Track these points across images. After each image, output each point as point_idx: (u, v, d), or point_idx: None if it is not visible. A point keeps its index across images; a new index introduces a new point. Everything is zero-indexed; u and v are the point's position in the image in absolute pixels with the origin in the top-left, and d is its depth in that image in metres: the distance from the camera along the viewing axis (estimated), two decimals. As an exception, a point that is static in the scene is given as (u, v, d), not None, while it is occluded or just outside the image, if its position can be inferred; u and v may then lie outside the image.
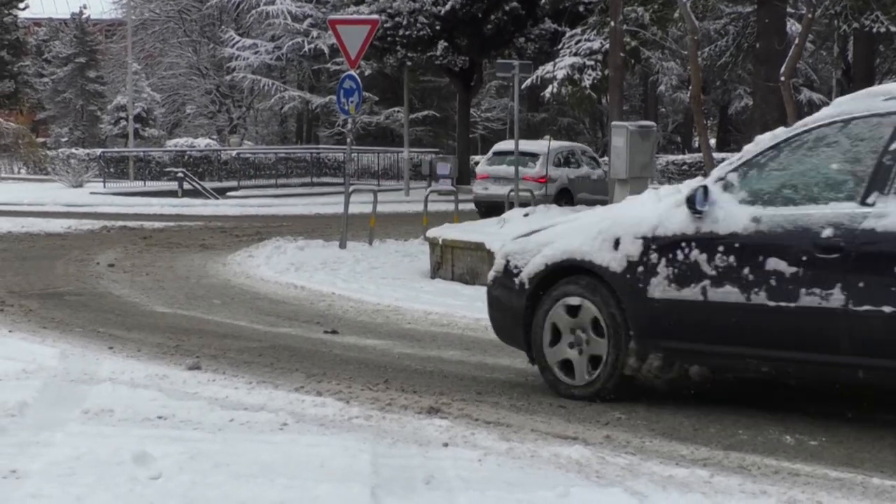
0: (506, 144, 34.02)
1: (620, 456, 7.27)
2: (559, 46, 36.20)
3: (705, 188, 8.48)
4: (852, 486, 6.76)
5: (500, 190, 29.67)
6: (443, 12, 43.85)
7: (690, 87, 21.22)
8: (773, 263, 8.09)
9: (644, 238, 8.71)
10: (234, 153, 52.29)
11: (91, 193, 41.94)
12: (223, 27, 64.14)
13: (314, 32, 57.30)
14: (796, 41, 19.05)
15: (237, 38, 61.44)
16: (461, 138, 50.90)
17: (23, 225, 27.35)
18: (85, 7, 75.48)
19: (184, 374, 9.75)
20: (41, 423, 7.61)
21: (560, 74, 33.43)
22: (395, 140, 58.83)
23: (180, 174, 44.01)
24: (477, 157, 61.68)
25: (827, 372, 8.27)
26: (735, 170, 8.60)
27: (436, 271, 18.53)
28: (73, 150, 55.89)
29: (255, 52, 60.29)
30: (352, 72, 22.48)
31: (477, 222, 20.55)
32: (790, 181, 8.40)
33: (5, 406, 7.93)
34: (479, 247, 17.52)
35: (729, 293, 8.29)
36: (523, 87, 36.01)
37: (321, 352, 11.30)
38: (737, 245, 8.27)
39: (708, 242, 8.40)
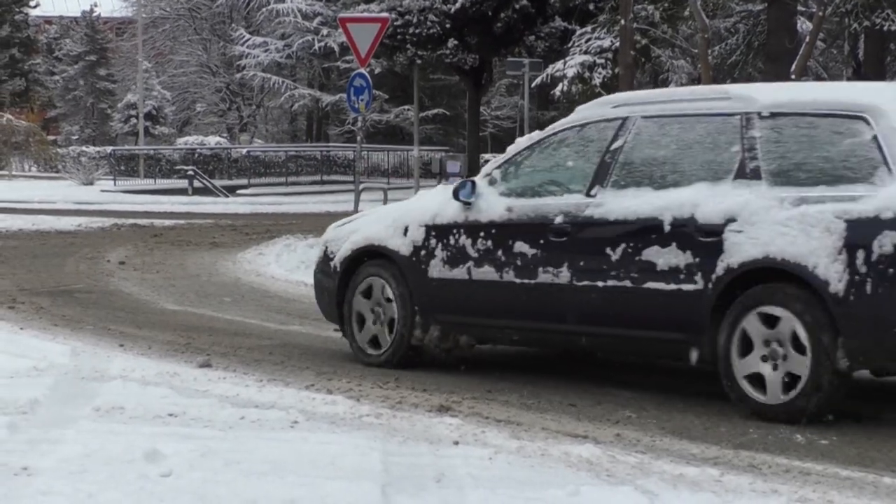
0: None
1: (631, 454, 7.27)
2: (569, 44, 36.13)
3: (473, 182, 9.87)
4: (863, 485, 6.75)
5: None
6: (453, 10, 43.79)
7: (701, 86, 21.16)
8: (520, 246, 9.47)
9: (426, 226, 10.05)
10: (244, 151, 52.35)
11: (101, 191, 42.02)
12: (233, 25, 64.16)
13: (324, 30, 57.31)
14: (807, 39, 19.03)
15: (247, 36, 61.46)
16: (471, 136, 50.84)
17: (34, 222, 27.40)
18: (95, 5, 75.59)
19: (194, 372, 9.76)
20: (52, 420, 7.63)
21: (570, 72, 33.38)
22: (405, 138, 58.80)
23: (190, 172, 44.07)
24: (487, 156, 61.74)
25: (560, 340, 9.81)
26: (499, 167, 10.03)
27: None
28: (84, 148, 55.98)
29: (266, 50, 60.31)
30: (362, 70, 22.48)
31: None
32: (538, 176, 9.82)
33: (16, 403, 7.95)
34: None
35: (487, 272, 9.67)
36: (533, 85, 36.06)
37: (331, 350, 11.29)
38: (493, 231, 9.64)
39: (473, 229, 9.77)
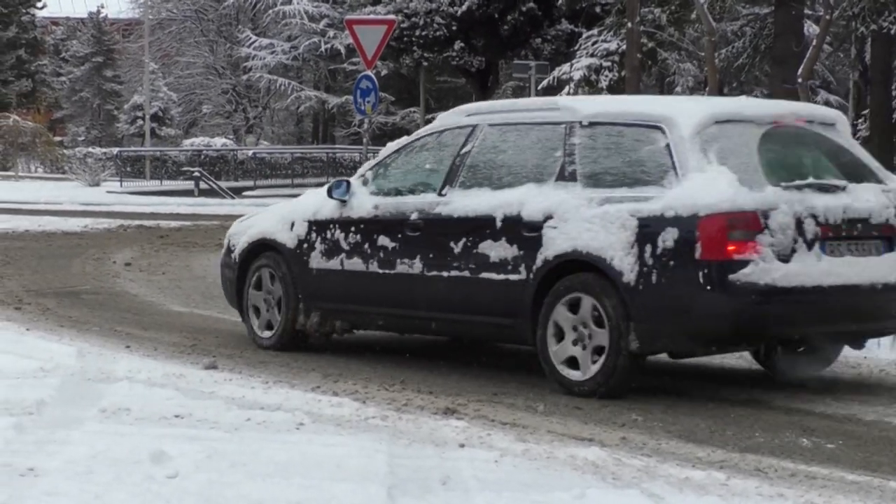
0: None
1: (637, 458, 7.26)
2: (576, 47, 36.16)
3: (348, 182, 10.94)
4: (869, 489, 6.74)
5: None
6: (459, 13, 43.85)
7: (707, 89, 21.18)
8: (382, 240, 10.47)
9: (308, 221, 11.06)
10: (250, 153, 52.39)
11: (108, 192, 42.07)
12: (240, 27, 64.24)
13: (331, 32, 57.37)
14: (814, 43, 19.02)
15: (254, 37, 61.53)
16: (477, 139, 50.80)
17: (40, 223, 27.42)
18: (102, 6, 75.69)
19: (200, 374, 9.77)
20: (58, 421, 7.63)
21: (577, 75, 33.39)
22: (411, 140, 58.79)
23: (196, 173, 44.10)
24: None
25: (415, 325, 10.73)
26: (370, 169, 11.05)
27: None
28: (90, 149, 56.05)
29: (272, 52, 60.38)
30: (368, 72, 22.50)
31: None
32: (401, 177, 10.81)
33: (23, 404, 7.95)
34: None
35: (356, 264, 10.67)
36: (539, 87, 36.03)
37: (338, 352, 11.28)
38: (362, 226, 10.65)
39: (346, 224, 10.78)
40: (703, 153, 8.99)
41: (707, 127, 9.14)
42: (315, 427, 7.72)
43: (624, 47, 28.31)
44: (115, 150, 54.46)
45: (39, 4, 76.90)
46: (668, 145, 9.08)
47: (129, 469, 6.44)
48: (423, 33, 44.37)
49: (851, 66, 53.03)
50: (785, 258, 8.77)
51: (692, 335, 9.03)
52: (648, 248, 8.82)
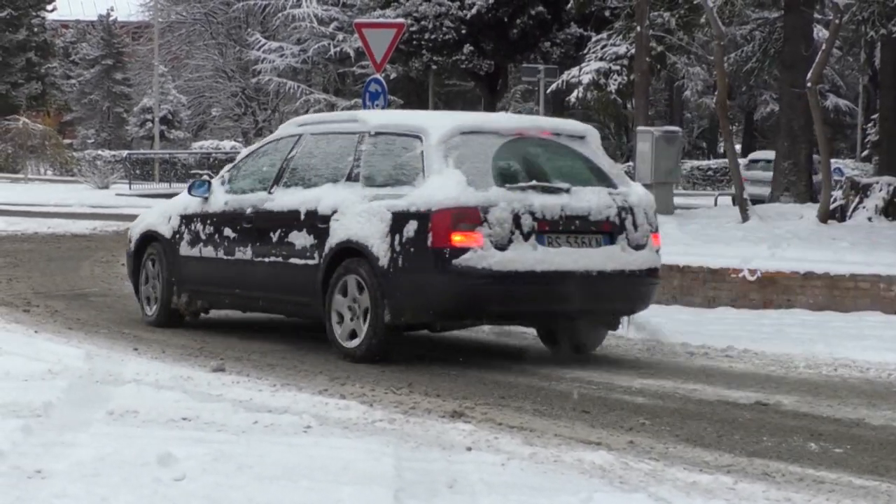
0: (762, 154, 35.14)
1: (644, 461, 7.26)
2: (585, 51, 36.13)
3: (209, 182, 12.83)
4: (877, 494, 6.73)
5: (758, 190, 29.27)
6: (468, 16, 43.82)
7: (716, 93, 21.16)
8: (227, 231, 12.26)
9: (181, 215, 12.84)
10: (259, 156, 52.37)
11: (117, 195, 42.12)
12: (249, 30, 64.26)
13: (340, 36, 57.37)
14: (823, 47, 19.00)
15: (263, 40, 61.54)
16: (486, 142, 50.78)
17: (49, 226, 27.48)
18: (112, 9, 75.81)
19: (208, 376, 9.77)
20: (66, 423, 7.64)
21: (585, 79, 33.37)
22: (420, 144, 58.77)
23: (206, 176, 44.11)
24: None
25: (250, 303, 12.44)
26: (228, 170, 12.91)
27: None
28: (100, 152, 56.18)
29: (281, 55, 60.39)
30: (377, 75, 22.50)
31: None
32: (247, 178, 12.55)
33: (31, 406, 7.96)
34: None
35: (209, 251, 12.45)
36: (548, 91, 36.05)
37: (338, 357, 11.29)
38: (215, 219, 12.43)
39: (205, 218, 12.56)
40: (445, 159, 10.64)
41: (452, 137, 10.83)
42: (322, 430, 7.73)
43: (633, 51, 28.29)
44: (125, 152, 54.56)
45: (49, 7, 76.98)
46: (421, 152, 10.81)
47: (136, 471, 6.45)
48: (433, 37, 44.35)
49: (861, 71, 52.99)
50: (502, 247, 10.36)
51: (428, 311, 10.71)
52: (398, 237, 10.53)
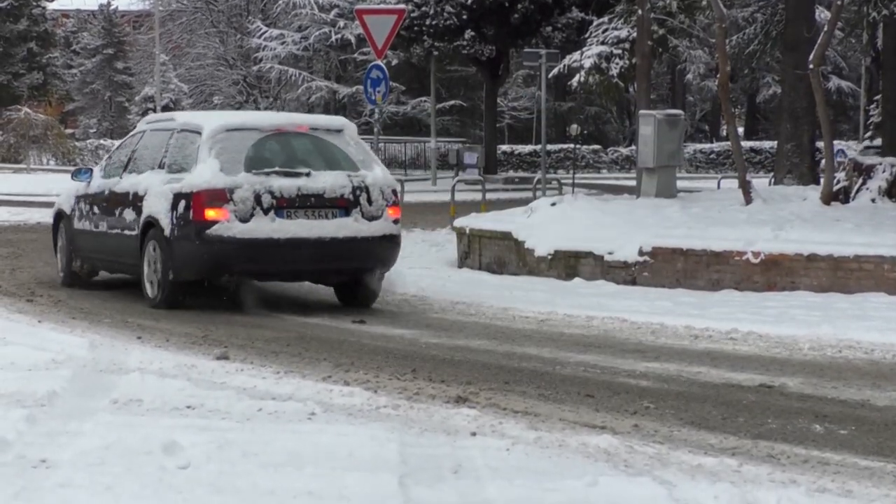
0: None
1: (649, 445, 7.25)
2: (586, 35, 36.01)
3: (91, 170, 15.90)
4: (882, 474, 6.73)
5: None
6: (469, 1, 43.77)
7: (718, 76, 21.12)
8: (96, 209, 15.08)
9: (76, 196, 15.69)
10: (261, 143, 52.31)
11: (119, 184, 42.08)
12: (250, 18, 64.16)
13: (341, 22, 57.29)
14: (825, 29, 18.94)
15: (264, 28, 61.45)
16: (488, 128, 50.81)
17: (52, 216, 27.44)
18: (112, -2, 75.64)
19: (212, 364, 9.78)
20: (70, 412, 7.65)
21: (587, 63, 33.25)
22: (422, 130, 58.76)
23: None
24: (504, 147, 61.65)
25: (112, 266, 15.29)
26: (106, 159, 15.90)
27: (463, 260, 18.54)
28: (102, 141, 56.21)
29: (282, 43, 60.30)
30: (378, 62, 22.48)
31: (504, 212, 20.53)
32: (111, 165, 15.38)
33: (35, 396, 7.98)
34: (507, 236, 17.52)
35: (89, 225, 15.23)
36: (550, 76, 35.97)
37: (349, 341, 11.31)
38: (91, 199, 15.25)
39: (87, 198, 15.38)
40: (210, 151, 13.36)
41: (218, 133, 13.59)
42: (326, 416, 7.73)
43: (634, 35, 28.19)
44: (127, 142, 54.47)
45: (50, -3, 76.92)
46: (198, 146, 13.52)
47: (141, 460, 6.45)
48: (434, 22, 44.29)
49: (863, 52, 52.85)
50: (245, 220, 13.04)
51: (194, 270, 13.39)
52: (175, 213, 13.27)
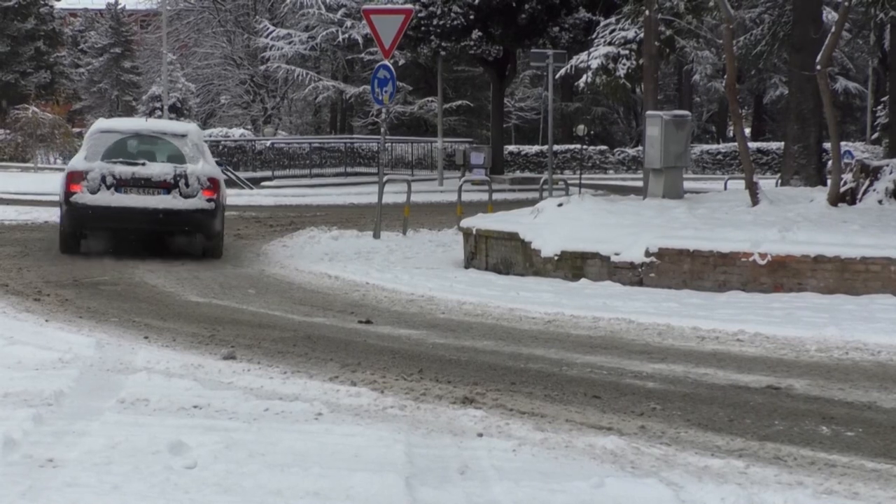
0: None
1: (655, 446, 7.25)
2: (593, 36, 36.06)
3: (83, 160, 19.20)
4: (889, 477, 6.72)
5: None
6: (477, 1, 43.77)
7: (725, 77, 21.10)
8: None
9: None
10: (268, 143, 52.37)
11: (126, 183, 42.08)
12: (257, 17, 64.20)
13: (348, 22, 57.31)
14: (832, 30, 18.92)
15: (271, 28, 61.48)
16: (495, 128, 50.80)
17: (59, 215, 27.44)
18: (120, -3, 75.67)
19: (219, 364, 9.78)
20: (77, 412, 7.65)
21: (594, 64, 33.29)
22: (429, 130, 58.78)
23: (215, 164, 44.01)
24: (511, 147, 61.64)
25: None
26: (89, 150, 19.04)
27: (470, 261, 18.54)
28: (109, 141, 55.97)
29: (290, 42, 60.33)
30: (386, 62, 22.48)
31: (511, 212, 20.55)
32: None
33: (42, 395, 7.98)
34: (514, 237, 17.51)
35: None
36: (557, 76, 35.92)
37: (355, 342, 11.31)
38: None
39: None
40: (87, 145, 19.18)
41: (94, 133, 19.45)
42: (333, 417, 7.73)
43: (642, 35, 28.20)
44: (134, 141, 54.46)
45: (57, -4, 76.97)
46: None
47: (147, 460, 6.46)
48: (441, 22, 44.29)
49: (870, 53, 52.85)
50: (94, 192, 18.35)
51: (68, 224, 18.88)
52: (63, 186, 18.76)
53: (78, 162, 18.76)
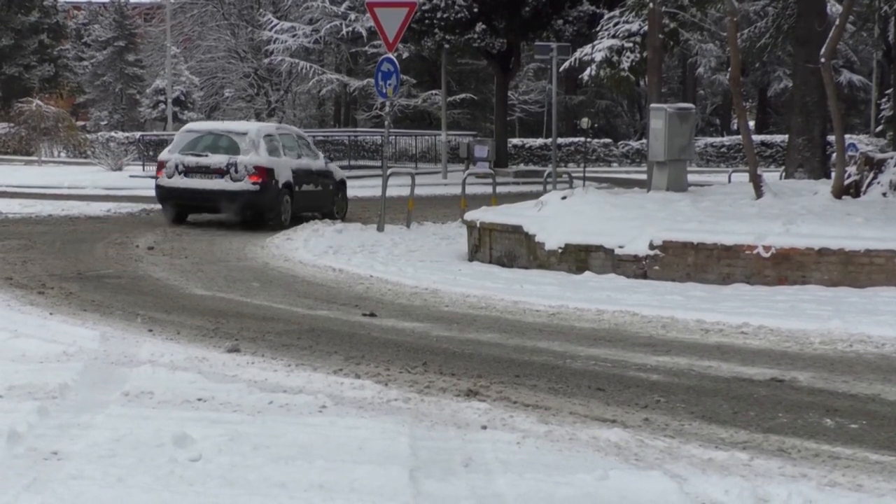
0: None
1: (659, 439, 7.26)
2: (597, 28, 36.01)
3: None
4: (893, 469, 6.72)
5: None
6: (480, -6, 43.75)
7: (729, 69, 21.09)
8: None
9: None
10: (272, 136, 52.31)
11: (130, 177, 42.09)
12: (261, 10, 64.20)
13: (352, 15, 57.30)
14: (837, 22, 18.89)
15: (275, 21, 61.48)
16: (499, 121, 50.79)
17: (63, 208, 27.51)
18: (124, -10, 75.62)
19: (223, 357, 9.79)
20: (82, 405, 7.66)
21: (598, 57, 33.26)
22: (433, 123, 58.79)
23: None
24: (515, 140, 61.61)
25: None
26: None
27: (473, 254, 18.53)
28: (113, 134, 56.16)
29: (294, 36, 60.32)
30: (390, 55, 22.47)
31: (515, 205, 20.54)
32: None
33: (46, 388, 7.99)
34: (518, 230, 17.51)
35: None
36: (561, 69, 35.91)
37: (359, 334, 11.32)
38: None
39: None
40: (176, 141, 24.29)
41: (181, 132, 24.73)
42: (337, 409, 7.74)
43: (646, 28, 28.20)
44: (138, 134, 54.51)
45: (61, -11, 76.94)
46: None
47: (152, 452, 6.47)
48: (445, 15, 44.28)
49: (874, 46, 52.76)
50: (170, 177, 23.37)
51: (159, 200, 24.44)
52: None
53: (164, 154, 24.29)
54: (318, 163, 25.43)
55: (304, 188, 24.51)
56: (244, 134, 23.69)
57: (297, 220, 23.64)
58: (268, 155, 23.47)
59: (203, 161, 23.29)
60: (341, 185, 26.25)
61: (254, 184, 22.95)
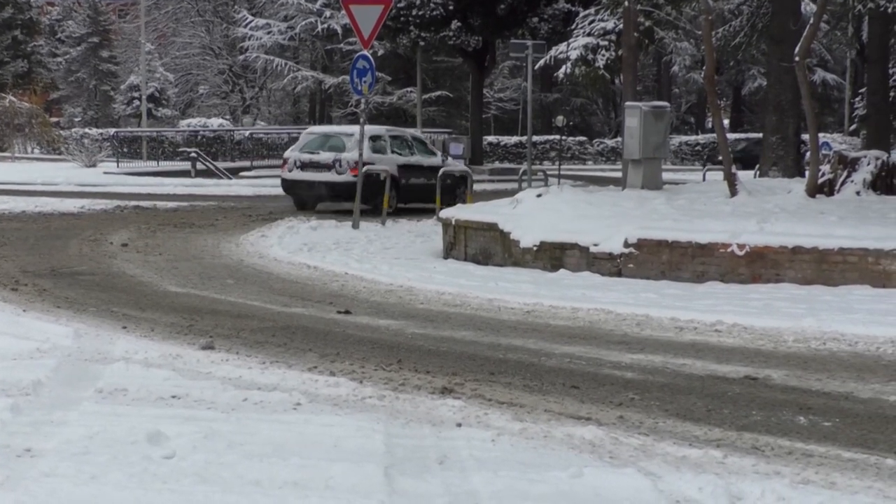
0: None
1: (634, 436, 7.27)
2: (573, 26, 36.07)
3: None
4: (866, 466, 6.75)
5: None
6: (456, -8, 43.74)
7: (704, 68, 21.12)
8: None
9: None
10: (247, 133, 52.28)
11: (104, 173, 41.98)
12: (236, 7, 64.11)
13: (327, 12, 57.26)
14: (811, 21, 18.95)
15: (250, 17, 61.42)
16: (474, 118, 50.82)
17: (36, 204, 27.41)
18: (98, -14, 75.34)
19: (197, 354, 9.77)
20: (55, 402, 7.63)
21: (573, 55, 33.33)
22: (408, 120, 58.75)
23: (193, 154, 44.02)
24: (490, 138, 61.63)
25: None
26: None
27: (449, 251, 18.54)
28: (87, 130, 55.95)
29: (268, 32, 60.27)
30: (365, 52, 22.45)
31: (490, 203, 20.56)
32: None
33: (19, 385, 7.95)
34: (493, 227, 17.52)
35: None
36: (536, 67, 35.97)
37: (334, 332, 11.31)
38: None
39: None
40: (297, 142, 29.02)
41: (305, 134, 29.38)
42: (312, 407, 7.73)
43: (621, 26, 28.22)
44: (112, 130, 54.35)
45: (35, -15, 76.64)
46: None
47: (125, 449, 6.44)
48: (420, 13, 44.28)
49: (849, 45, 52.96)
50: (290, 171, 27.82)
51: (284, 191, 28.82)
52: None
53: (287, 152, 28.80)
54: (433, 160, 29.08)
55: (413, 182, 28.15)
56: (351, 135, 27.02)
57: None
58: (370, 152, 26.38)
59: (315, 157, 27.38)
60: (461, 179, 28.71)
61: (354, 177, 24.55)
